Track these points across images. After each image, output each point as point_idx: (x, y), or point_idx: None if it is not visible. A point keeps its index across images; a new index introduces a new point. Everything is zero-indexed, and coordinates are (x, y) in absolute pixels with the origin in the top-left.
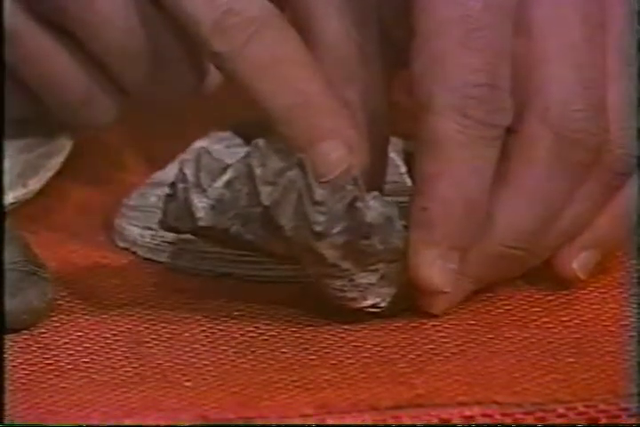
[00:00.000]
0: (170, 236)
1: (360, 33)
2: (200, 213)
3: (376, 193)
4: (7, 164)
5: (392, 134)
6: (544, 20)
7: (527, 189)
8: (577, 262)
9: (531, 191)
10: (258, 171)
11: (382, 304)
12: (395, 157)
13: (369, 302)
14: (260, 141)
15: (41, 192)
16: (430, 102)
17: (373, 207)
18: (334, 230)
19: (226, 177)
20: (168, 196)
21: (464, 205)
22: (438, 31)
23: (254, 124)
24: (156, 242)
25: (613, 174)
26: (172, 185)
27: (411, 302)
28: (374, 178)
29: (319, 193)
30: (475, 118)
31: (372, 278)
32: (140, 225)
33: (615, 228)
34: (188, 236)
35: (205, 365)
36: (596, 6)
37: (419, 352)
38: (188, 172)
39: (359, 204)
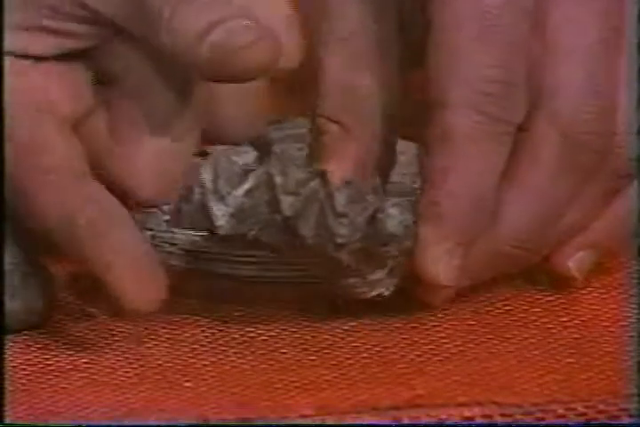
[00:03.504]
0: (168, 236)
1: (379, 25)
2: (220, 222)
3: (396, 200)
4: None
5: (405, 138)
6: (562, 20)
7: (533, 188)
8: (573, 262)
9: (536, 191)
10: (278, 179)
11: (386, 293)
12: (402, 158)
13: (375, 293)
14: (279, 150)
15: None
16: (444, 97)
17: (392, 215)
18: (353, 238)
19: (246, 186)
20: (181, 196)
21: (472, 200)
22: (456, 25)
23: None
24: (155, 243)
25: (617, 177)
26: (187, 187)
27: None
28: (381, 168)
29: (341, 204)
30: (488, 114)
31: (382, 274)
32: (138, 225)
33: (614, 230)
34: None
35: (205, 365)
36: (614, 8)
37: (418, 353)
38: (206, 177)
39: (380, 215)
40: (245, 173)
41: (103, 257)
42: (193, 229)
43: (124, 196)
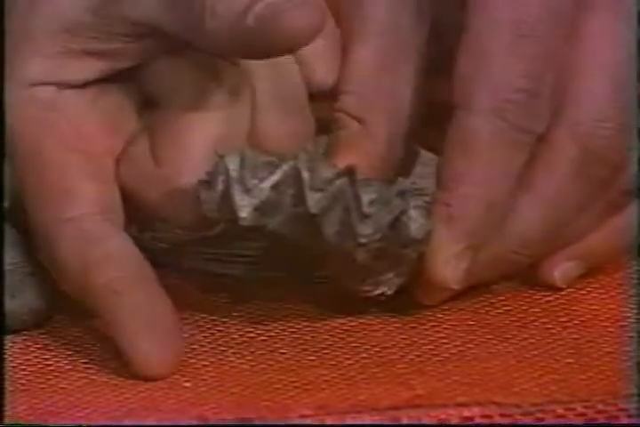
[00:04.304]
0: (168, 237)
1: (410, 26)
2: (243, 213)
3: (418, 202)
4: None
5: (417, 139)
6: (597, 33)
7: (544, 197)
8: (559, 271)
9: (547, 200)
10: (305, 175)
11: (389, 292)
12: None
13: (378, 292)
14: (309, 146)
15: None
16: (469, 101)
17: (414, 218)
18: (374, 238)
19: (274, 178)
20: (204, 182)
21: (485, 204)
22: (490, 31)
23: None
24: (154, 243)
25: (622, 192)
26: (210, 174)
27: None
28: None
29: (367, 205)
30: (510, 122)
31: (391, 274)
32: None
33: (607, 244)
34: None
35: (205, 365)
36: None
37: (418, 353)
38: (232, 167)
39: (404, 218)
40: (272, 166)
41: (117, 319)
42: (213, 217)
43: (164, 221)
